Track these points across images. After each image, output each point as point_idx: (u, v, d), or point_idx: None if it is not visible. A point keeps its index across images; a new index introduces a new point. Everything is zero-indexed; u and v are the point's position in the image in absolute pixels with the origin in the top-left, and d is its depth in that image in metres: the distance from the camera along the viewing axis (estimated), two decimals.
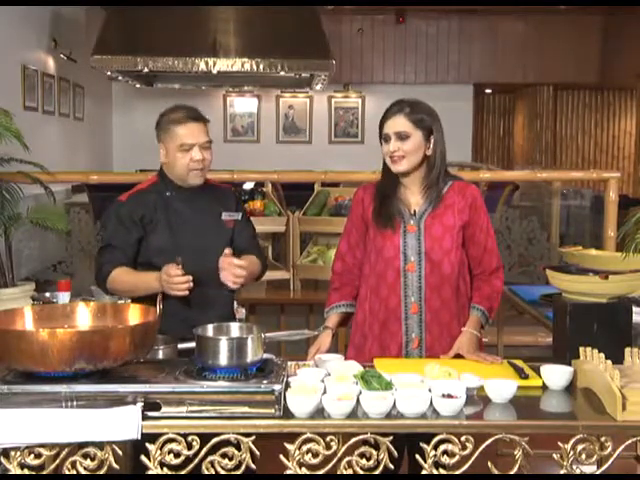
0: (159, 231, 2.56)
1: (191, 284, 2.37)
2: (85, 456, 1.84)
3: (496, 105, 12.63)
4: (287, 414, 1.86)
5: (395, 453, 1.87)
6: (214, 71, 7.54)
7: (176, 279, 2.35)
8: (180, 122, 2.53)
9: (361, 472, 1.86)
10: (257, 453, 1.86)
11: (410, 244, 2.47)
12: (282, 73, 7.70)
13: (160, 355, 2.22)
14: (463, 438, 1.85)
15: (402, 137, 2.43)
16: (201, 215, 2.61)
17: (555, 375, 2.11)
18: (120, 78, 8.49)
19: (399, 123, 2.44)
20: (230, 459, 1.85)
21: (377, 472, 1.87)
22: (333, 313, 2.61)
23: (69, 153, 8.28)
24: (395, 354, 2.48)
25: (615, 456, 1.87)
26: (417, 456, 1.88)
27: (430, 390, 1.95)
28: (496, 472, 1.89)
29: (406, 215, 2.49)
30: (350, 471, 1.86)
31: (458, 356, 2.42)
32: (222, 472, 1.86)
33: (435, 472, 1.87)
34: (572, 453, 1.86)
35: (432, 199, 2.48)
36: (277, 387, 1.87)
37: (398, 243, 2.48)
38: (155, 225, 2.56)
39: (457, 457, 1.85)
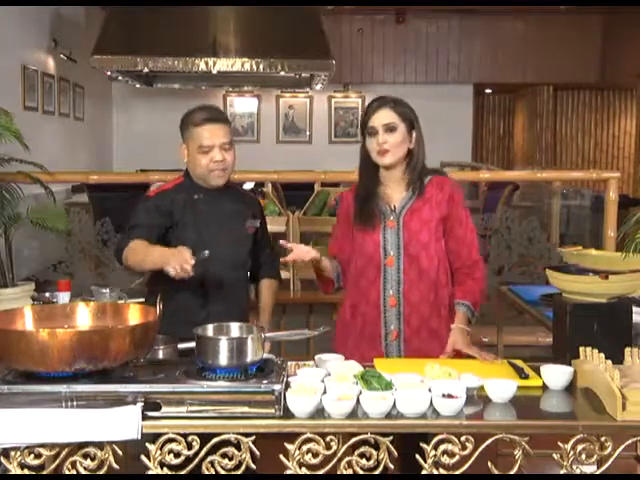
0: (186, 231, 2.55)
1: (187, 276, 2.30)
2: (85, 456, 1.84)
3: (496, 105, 12.63)
4: (287, 414, 1.86)
5: (395, 453, 1.87)
6: (214, 71, 7.54)
7: (185, 266, 2.26)
8: (198, 124, 2.53)
9: (361, 472, 1.86)
10: (257, 453, 1.86)
11: (389, 239, 2.53)
12: (282, 73, 7.70)
13: (160, 355, 2.22)
14: (463, 438, 1.85)
15: (390, 129, 2.49)
16: (227, 219, 2.62)
17: (555, 375, 2.11)
18: (120, 78, 8.49)
19: (386, 115, 2.50)
20: (230, 459, 1.85)
21: (377, 472, 1.87)
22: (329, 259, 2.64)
23: (69, 153, 8.28)
24: (375, 346, 2.52)
25: (615, 456, 1.87)
26: (417, 456, 1.88)
27: (430, 390, 1.95)
28: (496, 472, 1.89)
29: (386, 212, 2.55)
30: (350, 471, 1.86)
31: (457, 355, 2.43)
32: (222, 472, 1.86)
33: (435, 472, 1.87)
34: (572, 453, 1.86)
35: (413, 193, 2.54)
36: (277, 387, 1.87)
37: (378, 239, 2.54)
38: (182, 225, 2.55)
39: (457, 457, 1.85)
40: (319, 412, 1.87)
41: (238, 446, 1.85)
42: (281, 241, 2.54)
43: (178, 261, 2.26)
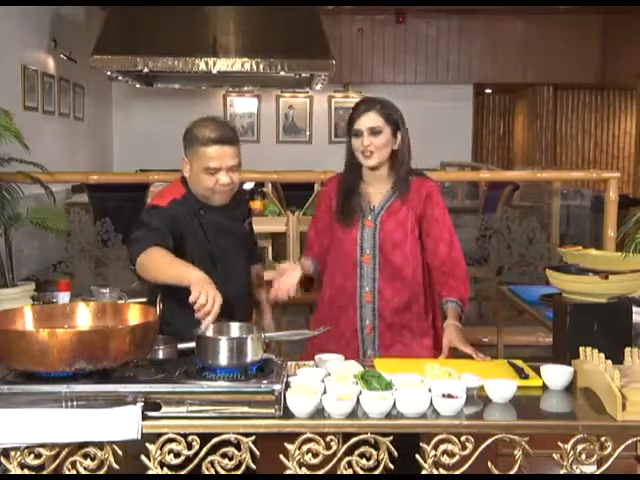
0: (197, 245, 2.44)
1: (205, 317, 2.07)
2: (85, 456, 1.84)
3: (496, 105, 12.63)
4: (287, 414, 1.86)
5: (395, 453, 1.87)
6: (214, 71, 7.53)
7: (211, 310, 2.05)
8: (206, 143, 2.35)
9: (361, 472, 1.87)
10: (257, 453, 1.86)
11: (366, 238, 2.63)
12: (282, 73, 7.69)
13: (160, 355, 2.22)
14: (463, 438, 1.85)
15: (375, 132, 2.55)
16: (231, 228, 2.55)
17: (555, 375, 2.11)
18: (120, 78, 8.48)
19: (372, 119, 2.55)
20: (230, 459, 1.85)
21: (377, 472, 1.87)
22: (305, 259, 2.71)
23: (69, 153, 8.28)
24: (350, 338, 2.63)
25: (615, 456, 1.87)
26: (417, 456, 1.89)
27: (430, 390, 1.95)
28: (496, 472, 1.89)
29: (366, 210, 2.64)
30: (350, 471, 1.86)
31: (454, 355, 2.44)
32: (222, 472, 1.86)
33: (435, 472, 1.87)
34: (572, 453, 1.86)
35: (394, 194, 2.61)
36: (277, 387, 1.87)
37: (356, 237, 2.63)
38: (191, 238, 2.43)
39: (457, 457, 1.85)
40: (319, 412, 1.87)
41: (238, 446, 1.85)
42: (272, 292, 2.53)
43: (209, 304, 2.03)
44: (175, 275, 2.17)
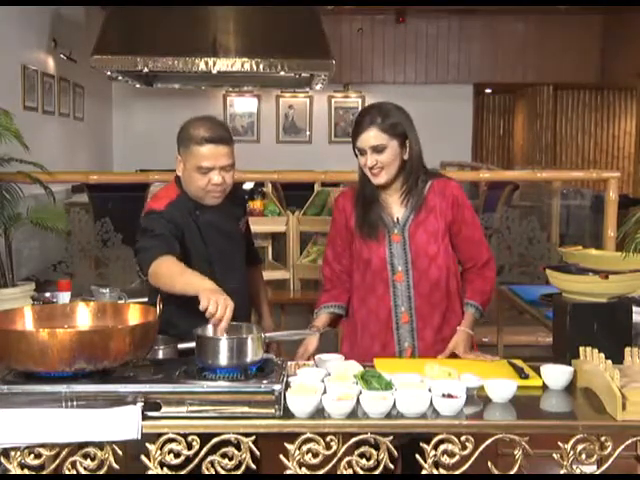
0: (193, 246, 2.44)
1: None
2: (85, 456, 1.84)
3: (496, 105, 12.63)
4: (287, 414, 1.86)
5: (395, 453, 1.87)
6: (214, 71, 7.53)
7: (223, 316, 2.02)
8: (199, 143, 2.35)
9: (361, 472, 1.87)
10: (257, 453, 1.86)
11: (396, 254, 2.46)
12: (282, 73, 7.69)
13: (160, 355, 2.22)
14: (463, 438, 1.85)
15: (378, 150, 2.38)
16: (227, 229, 2.54)
17: (555, 375, 2.11)
18: (120, 78, 8.48)
19: (373, 137, 2.38)
20: (230, 459, 1.85)
21: (377, 472, 1.87)
22: (323, 313, 2.59)
23: (69, 153, 8.28)
24: None
25: (615, 456, 1.87)
26: (417, 456, 1.88)
27: (430, 390, 1.95)
28: (496, 472, 1.89)
29: (390, 224, 2.48)
30: (350, 471, 1.86)
31: (455, 356, 2.43)
32: (222, 472, 1.86)
33: (435, 472, 1.87)
34: (572, 453, 1.86)
35: (414, 204, 2.46)
36: (277, 387, 1.87)
37: (384, 254, 2.46)
38: (189, 239, 2.43)
39: (457, 457, 1.85)
40: (319, 412, 1.87)
41: (238, 446, 1.85)
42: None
43: (221, 310, 2.01)
44: (185, 285, 2.16)
